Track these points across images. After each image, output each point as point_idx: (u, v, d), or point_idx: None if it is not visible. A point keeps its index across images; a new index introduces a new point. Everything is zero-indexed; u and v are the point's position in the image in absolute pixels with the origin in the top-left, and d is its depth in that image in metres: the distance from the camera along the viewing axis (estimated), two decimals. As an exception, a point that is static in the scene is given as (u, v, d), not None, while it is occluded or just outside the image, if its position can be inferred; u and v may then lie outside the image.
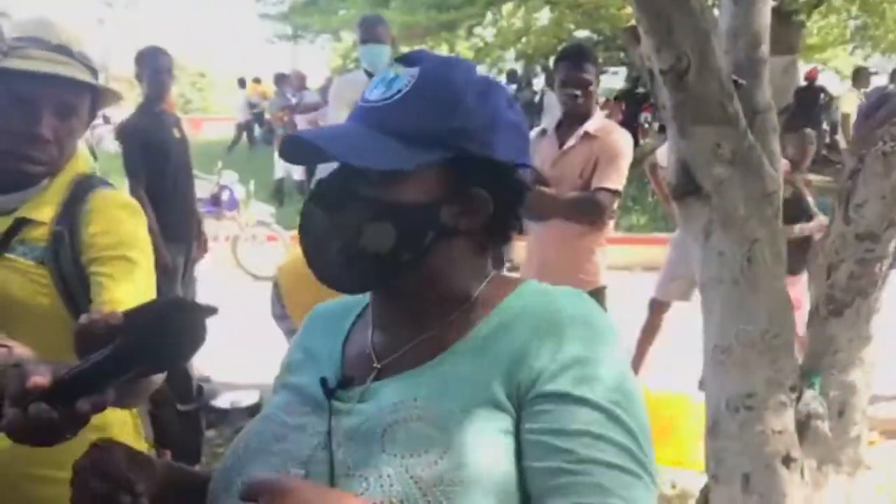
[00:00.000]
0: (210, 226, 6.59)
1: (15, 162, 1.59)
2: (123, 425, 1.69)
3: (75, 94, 1.61)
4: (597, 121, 3.42)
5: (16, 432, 0.86)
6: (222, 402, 4.36)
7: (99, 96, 1.68)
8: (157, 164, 4.50)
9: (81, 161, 1.70)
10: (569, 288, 0.98)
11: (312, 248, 0.97)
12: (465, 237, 0.97)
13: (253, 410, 4.36)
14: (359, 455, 0.87)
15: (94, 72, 1.64)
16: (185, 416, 1.79)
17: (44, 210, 1.61)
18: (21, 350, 1.23)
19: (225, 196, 7.93)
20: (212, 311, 0.89)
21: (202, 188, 6.81)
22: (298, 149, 0.98)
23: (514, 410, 0.88)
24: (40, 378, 0.86)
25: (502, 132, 0.96)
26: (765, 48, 1.97)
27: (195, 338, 0.87)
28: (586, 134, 3.34)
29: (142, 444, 1.74)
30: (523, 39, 15.55)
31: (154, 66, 4.55)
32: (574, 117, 3.38)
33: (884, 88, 4.63)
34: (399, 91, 0.95)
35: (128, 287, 1.55)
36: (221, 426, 4.30)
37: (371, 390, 0.94)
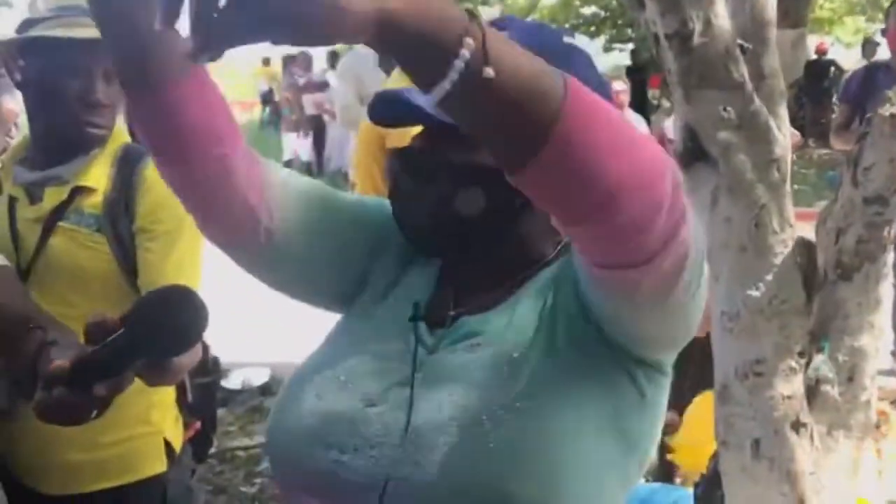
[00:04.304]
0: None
1: (78, 130, 1.64)
2: (166, 393, 1.74)
3: None
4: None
5: (42, 414, 0.91)
6: (233, 382, 4.36)
7: None
8: None
9: (120, 130, 1.73)
10: None
11: (402, 213, 0.99)
12: None
13: (264, 389, 4.37)
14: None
15: None
16: (200, 388, 1.84)
17: (97, 178, 1.65)
18: (57, 331, 1.24)
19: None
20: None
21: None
22: (389, 108, 0.97)
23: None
24: (61, 362, 0.90)
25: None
26: (772, 12, 1.94)
27: (197, 324, 0.91)
28: None
29: (175, 412, 1.78)
30: (530, 17, 15.48)
31: None
32: None
33: (858, 72, 4.62)
34: None
35: (173, 264, 1.60)
36: (232, 405, 4.31)
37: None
